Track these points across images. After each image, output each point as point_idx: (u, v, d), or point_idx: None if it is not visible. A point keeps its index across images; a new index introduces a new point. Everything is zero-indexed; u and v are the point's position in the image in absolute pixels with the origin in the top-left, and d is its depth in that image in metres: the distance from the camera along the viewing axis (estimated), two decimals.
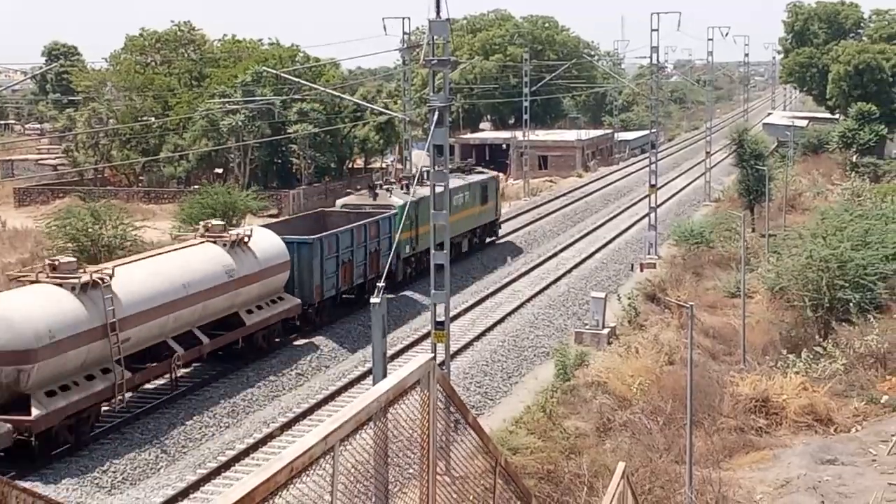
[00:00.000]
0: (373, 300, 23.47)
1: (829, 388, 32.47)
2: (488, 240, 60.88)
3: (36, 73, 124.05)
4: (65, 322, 28.05)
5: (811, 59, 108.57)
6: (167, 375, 33.26)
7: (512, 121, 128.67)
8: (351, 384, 35.43)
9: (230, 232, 37.53)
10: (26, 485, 20.66)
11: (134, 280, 31.28)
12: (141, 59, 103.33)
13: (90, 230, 51.64)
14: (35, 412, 26.81)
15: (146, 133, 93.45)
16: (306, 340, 40.54)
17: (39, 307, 27.78)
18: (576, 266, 55.44)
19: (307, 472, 5.57)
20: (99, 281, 29.42)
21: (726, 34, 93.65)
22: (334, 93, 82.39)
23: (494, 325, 43.21)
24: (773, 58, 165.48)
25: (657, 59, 63.43)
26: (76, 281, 28.95)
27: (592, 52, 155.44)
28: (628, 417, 30.59)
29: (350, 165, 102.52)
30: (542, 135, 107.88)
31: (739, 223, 45.41)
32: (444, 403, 8.05)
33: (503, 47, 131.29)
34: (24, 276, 30.19)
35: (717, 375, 34.03)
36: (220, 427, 31.75)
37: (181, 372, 34.26)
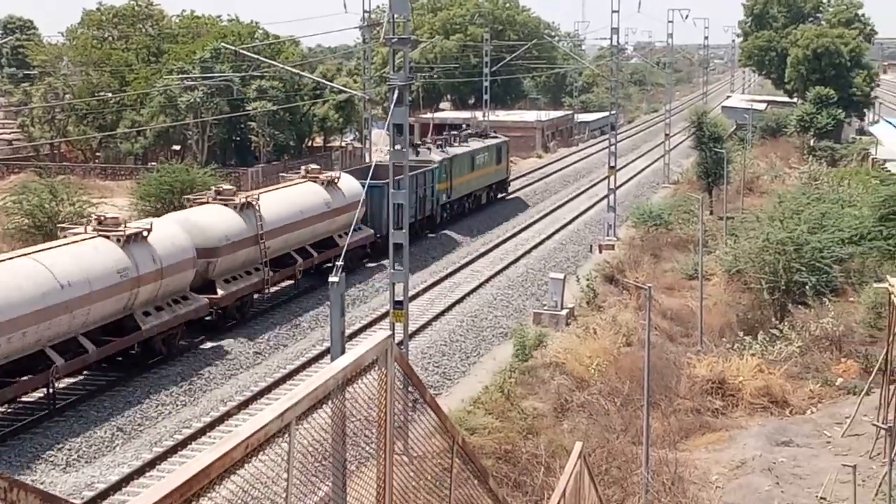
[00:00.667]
0: (331, 279, 23.36)
1: (784, 370, 32.69)
2: (500, 195, 70.65)
3: None
4: (235, 230, 38.44)
5: (770, 42, 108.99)
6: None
7: (472, 101, 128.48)
8: (309, 363, 35.34)
9: (325, 174, 47.48)
10: None
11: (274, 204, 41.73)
12: (98, 34, 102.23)
13: (46, 206, 51.07)
14: (220, 292, 37.53)
15: (103, 109, 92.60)
16: (266, 319, 40.42)
17: (217, 219, 38.12)
18: (535, 247, 55.51)
19: (263, 450, 5.48)
20: (252, 203, 39.73)
21: (686, 16, 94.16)
22: (294, 70, 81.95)
23: (453, 304, 43.20)
24: (733, 41, 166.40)
25: (617, 41, 63.56)
26: (237, 202, 39.29)
27: (553, 33, 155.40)
28: (586, 398, 30.68)
29: (309, 144, 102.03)
30: (501, 115, 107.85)
31: (697, 206, 45.56)
32: (401, 382, 7.99)
33: (464, 27, 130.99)
34: (198, 199, 40.50)
35: (675, 357, 34.19)
36: (177, 405, 31.58)
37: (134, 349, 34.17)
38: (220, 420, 30.11)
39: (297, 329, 39.76)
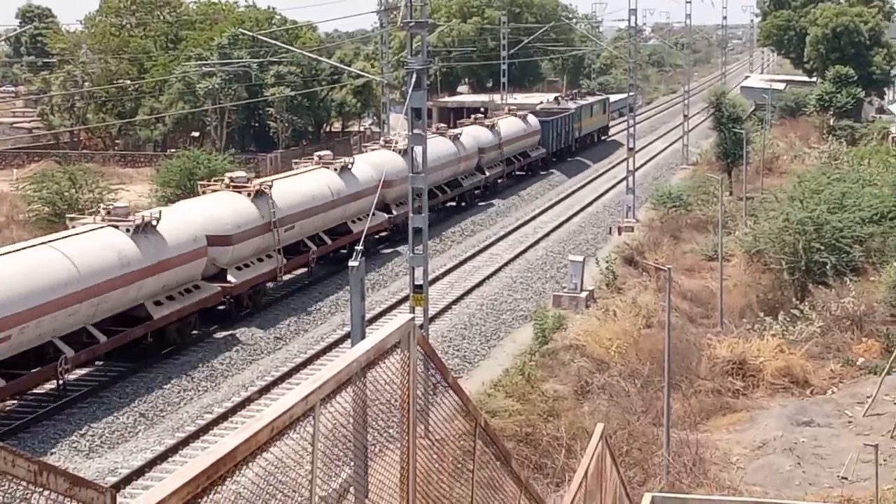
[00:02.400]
0: (351, 263, 23.43)
1: (805, 350, 32.65)
2: (603, 137, 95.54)
3: (10, 36, 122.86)
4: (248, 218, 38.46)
5: (789, 21, 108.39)
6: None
7: (490, 84, 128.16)
8: (329, 348, 35.44)
9: (339, 160, 47.52)
10: None
11: (287, 191, 41.82)
12: (116, 22, 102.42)
13: (66, 194, 51.26)
14: (233, 280, 37.34)
15: (122, 96, 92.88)
16: (281, 307, 40.54)
17: (230, 207, 38.19)
18: (554, 230, 55.51)
19: (288, 433, 5.54)
20: (265, 190, 39.59)
21: None
22: (311, 55, 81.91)
23: (473, 288, 43.27)
24: (751, 21, 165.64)
25: (635, 22, 63.33)
26: (250, 189, 39.22)
27: (570, 15, 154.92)
28: (606, 380, 30.71)
29: (327, 129, 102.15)
30: (520, 98, 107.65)
31: (717, 186, 45.44)
32: (423, 365, 8.03)
33: (481, 10, 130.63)
34: (210, 186, 40.34)
35: (695, 338, 34.16)
36: (199, 391, 31.73)
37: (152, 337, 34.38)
38: (242, 405, 30.24)
39: (318, 314, 39.88)
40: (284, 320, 38.72)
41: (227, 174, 41.80)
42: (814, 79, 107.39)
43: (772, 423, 27.70)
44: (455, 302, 41.17)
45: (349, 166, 47.16)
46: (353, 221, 46.50)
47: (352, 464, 6.88)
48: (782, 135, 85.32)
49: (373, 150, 54.04)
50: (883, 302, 36.14)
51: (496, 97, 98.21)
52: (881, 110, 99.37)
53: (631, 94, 65.25)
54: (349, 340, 27.98)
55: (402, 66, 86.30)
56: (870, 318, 35.21)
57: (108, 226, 32.46)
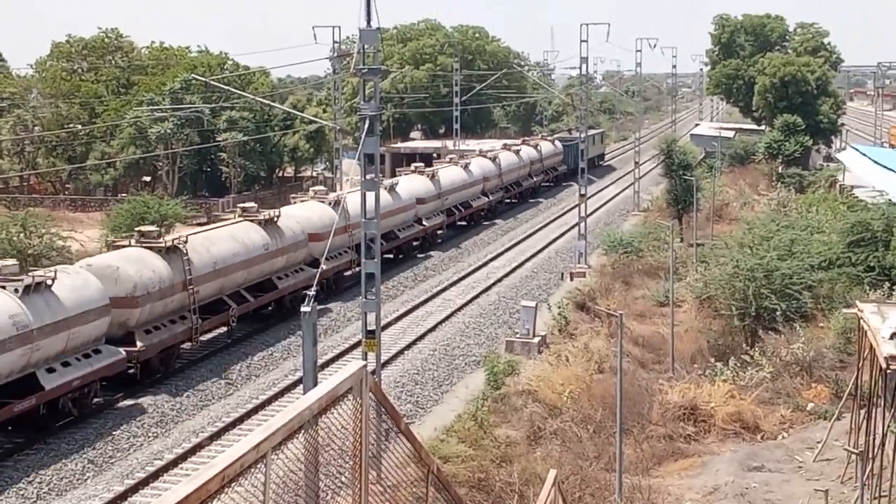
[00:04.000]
0: (303, 309, 23.36)
1: (755, 395, 32.80)
2: (600, 162, 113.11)
3: None
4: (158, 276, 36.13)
5: (737, 70, 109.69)
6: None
7: (442, 130, 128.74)
8: (281, 393, 35.24)
9: (264, 213, 45.10)
10: None
11: (205, 246, 39.91)
12: (67, 66, 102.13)
13: (15, 240, 50.68)
14: (140, 344, 34.80)
15: (73, 141, 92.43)
16: (237, 349, 40.34)
17: (138, 264, 35.88)
18: (506, 275, 55.60)
19: (239, 481, 5.51)
20: (179, 246, 37.51)
21: (654, 46, 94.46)
22: (264, 101, 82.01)
23: (425, 333, 43.22)
24: (701, 69, 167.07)
25: (586, 70, 63.82)
26: (162, 245, 36.96)
27: (522, 63, 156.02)
28: (559, 425, 30.68)
29: (280, 174, 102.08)
30: (472, 144, 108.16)
31: (668, 233, 45.70)
32: (376, 411, 8.01)
33: (433, 57, 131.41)
34: (119, 242, 39.54)
35: (647, 383, 34.24)
36: (149, 437, 31.44)
37: (105, 381, 33.99)
38: (193, 451, 29.97)
39: (270, 359, 39.68)
40: (235, 364, 38.49)
41: (138, 228, 39.35)
42: (762, 127, 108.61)
43: (723, 469, 27.77)
44: (408, 347, 41.10)
45: (275, 219, 44.96)
46: (279, 278, 44.72)
47: None
48: (732, 182, 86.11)
49: (301, 201, 51.70)
50: (832, 348, 36.40)
51: (448, 143, 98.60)
52: (828, 158, 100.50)
53: (582, 140, 65.65)
54: (301, 386, 27.83)
55: (355, 111, 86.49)
56: (819, 363, 35.44)
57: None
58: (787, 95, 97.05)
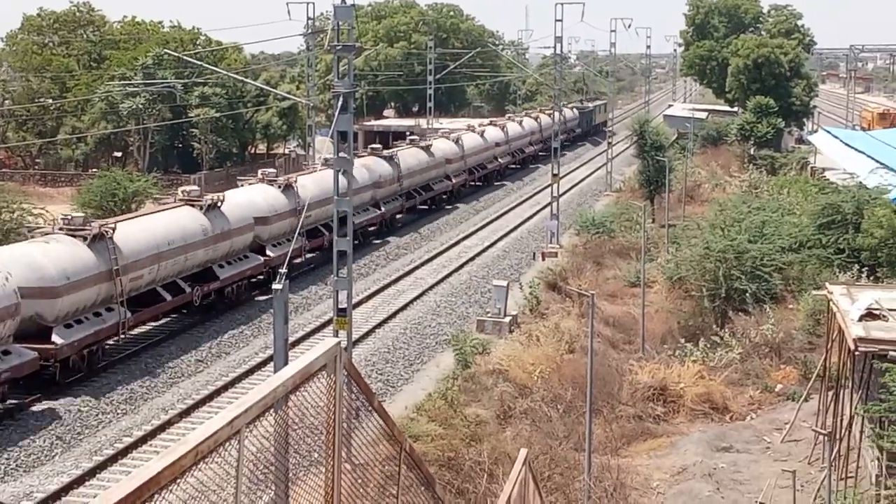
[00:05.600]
0: (275, 286, 23.30)
1: (725, 376, 32.99)
2: (603, 128, 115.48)
3: None
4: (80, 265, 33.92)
5: (711, 52, 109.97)
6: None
7: (416, 108, 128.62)
8: (251, 371, 35.19)
9: (207, 197, 43.08)
10: None
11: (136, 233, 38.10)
12: (38, 40, 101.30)
13: None
14: (58, 341, 32.34)
15: (43, 115, 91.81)
16: (207, 325, 40.27)
17: (59, 254, 33.55)
18: (478, 254, 55.65)
19: (212, 457, 5.49)
20: (105, 233, 35.30)
21: (629, 26, 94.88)
22: (237, 77, 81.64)
23: (396, 312, 43.23)
24: (675, 50, 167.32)
25: (560, 50, 63.86)
26: (86, 233, 34.79)
27: (497, 42, 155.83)
28: (529, 405, 30.76)
29: (252, 151, 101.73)
30: (445, 123, 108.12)
31: (640, 214, 45.82)
32: (348, 389, 8.01)
33: (408, 35, 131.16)
34: (42, 229, 37.43)
35: (617, 364, 34.38)
36: (118, 414, 31.35)
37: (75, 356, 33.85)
38: (162, 428, 29.92)
39: (240, 336, 39.62)
40: (205, 343, 38.42)
41: (62, 215, 36.95)
42: (735, 109, 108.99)
43: (692, 449, 27.93)
44: (379, 326, 41.11)
45: (218, 204, 42.73)
46: (221, 266, 42.47)
47: (275, 488, 6.83)
48: (704, 163, 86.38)
49: (249, 184, 49.52)
50: (801, 329, 36.63)
51: (422, 121, 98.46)
52: (800, 140, 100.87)
53: (556, 120, 65.64)
54: (272, 363, 27.81)
55: (329, 89, 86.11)
56: (788, 345, 35.67)
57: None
58: (760, 77, 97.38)
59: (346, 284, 28.97)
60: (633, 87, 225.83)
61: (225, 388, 33.47)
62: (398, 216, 64.44)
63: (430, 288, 47.58)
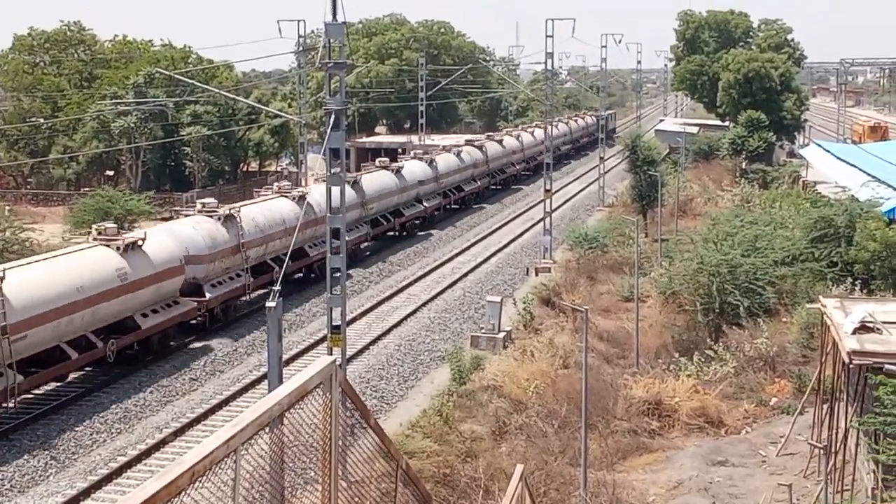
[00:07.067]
0: (268, 304, 23.27)
1: (719, 390, 32.95)
2: (613, 135, 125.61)
3: None
4: None
5: (702, 66, 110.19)
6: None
7: (408, 125, 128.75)
8: (246, 389, 35.11)
9: (125, 236, 37.84)
10: None
11: (33, 281, 31.58)
12: (29, 59, 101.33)
13: None
14: None
15: (35, 134, 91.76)
16: (201, 343, 40.18)
17: None
18: (471, 270, 55.62)
19: (208, 476, 5.47)
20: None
21: (619, 41, 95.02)
22: (228, 95, 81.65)
23: (391, 329, 43.19)
24: (665, 65, 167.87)
25: (551, 65, 63.95)
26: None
27: (488, 58, 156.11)
28: (524, 421, 30.72)
29: (244, 168, 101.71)
30: (437, 139, 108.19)
31: (633, 228, 45.82)
32: (345, 406, 7.99)
33: (399, 51, 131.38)
34: None
35: (611, 378, 34.33)
36: (112, 433, 31.26)
37: (71, 376, 33.75)
38: (156, 447, 29.82)
39: (235, 354, 39.53)
40: (200, 360, 38.35)
41: None
42: (726, 123, 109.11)
43: (687, 463, 27.89)
44: (373, 342, 41.06)
45: (139, 242, 37.59)
46: (145, 315, 37.37)
47: None
48: (696, 177, 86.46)
49: (186, 215, 44.34)
50: (795, 343, 36.61)
51: (414, 138, 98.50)
52: (792, 154, 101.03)
53: (548, 135, 65.68)
54: (266, 382, 27.75)
55: (320, 106, 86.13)
56: (782, 358, 35.64)
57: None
58: (751, 91, 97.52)
59: (340, 301, 28.94)
60: (624, 102, 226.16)
61: (219, 406, 33.39)
62: (363, 245, 60.00)
63: (424, 304, 47.54)
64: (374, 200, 60.55)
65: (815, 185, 65.04)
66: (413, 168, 69.08)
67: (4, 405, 30.44)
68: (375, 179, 62.21)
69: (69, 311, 33.01)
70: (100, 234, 37.36)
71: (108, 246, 36.47)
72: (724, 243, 43.83)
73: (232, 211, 44.68)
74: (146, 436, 30.92)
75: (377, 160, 68.66)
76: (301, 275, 51.13)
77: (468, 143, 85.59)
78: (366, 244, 60.77)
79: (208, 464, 5.32)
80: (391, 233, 65.15)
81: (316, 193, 51.20)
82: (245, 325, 43.35)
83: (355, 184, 57.65)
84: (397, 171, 65.99)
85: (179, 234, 40.84)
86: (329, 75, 28.59)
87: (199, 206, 45.12)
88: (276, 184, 53.46)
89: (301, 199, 50.20)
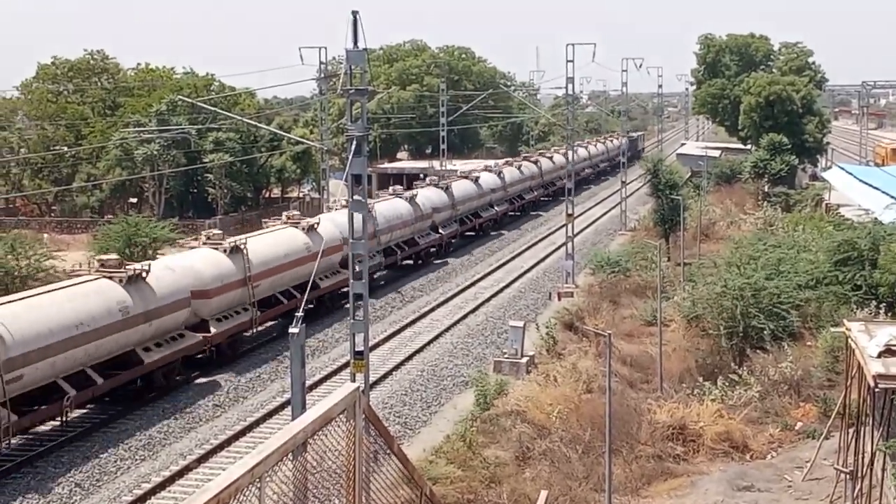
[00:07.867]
0: (291, 330, 23.28)
1: (744, 415, 32.79)
2: (641, 154, 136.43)
3: None
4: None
5: (723, 90, 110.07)
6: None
7: (429, 150, 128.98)
8: (269, 415, 35.12)
9: (128, 267, 36.21)
10: None
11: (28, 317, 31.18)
12: (53, 88, 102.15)
13: (2, 262, 50.56)
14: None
15: (59, 162, 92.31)
16: (223, 373, 40.21)
17: None
18: (494, 295, 55.57)
19: None
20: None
21: (640, 66, 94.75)
22: (250, 122, 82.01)
23: (413, 354, 43.16)
24: (686, 89, 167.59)
25: (572, 90, 63.99)
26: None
27: (508, 83, 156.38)
28: (547, 446, 30.63)
29: (267, 195, 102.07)
30: (458, 165, 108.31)
31: (655, 252, 45.73)
32: (368, 432, 7.98)
33: (420, 77, 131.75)
34: None
35: (635, 403, 34.21)
36: (136, 460, 31.30)
37: (89, 406, 33.80)
38: (180, 474, 29.84)
39: (258, 380, 39.56)
40: (223, 387, 38.38)
41: None
42: (748, 146, 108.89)
43: (712, 488, 27.73)
44: (396, 368, 41.04)
45: (142, 274, 36.23)
46: (147, 349, 36.26)
47: None
48: (718, 201, 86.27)
49: (190, 247, 43.51)
50: (819, 367, 36.42)
51: (435, 163, 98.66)
52: (814, 177, 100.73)
53: (569, 160, 65.67)
54: (289, 407, 27.75)
55: (342, 132, 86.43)
56: (807, 382, 35.46)
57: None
58: (773, 114, 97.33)
59: (363, 327, 28.96)
60: (645, 125, 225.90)
61: (243, 432, 33.39)
62: (376, 275, 57.78)
63: (447, 329, 47.51)
64: (387, 231, 58.76)
65: (839, 208, 64.80)
66: (428, 195, 67.97)
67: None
68: (388, 207, 60.78)
69: (65, 349, 31.82)
70: (102, 265, 36.26)
71: (110, 278, 35.40)
72: (748, 267, 43.68)
73: (238, 243, 43.19)
74: (170, 462, 30.95)
75: (390, 188, 67.96)
76: (312, 306, 48.77)
77: (486, 168, 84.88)
78: (379, 273, 59.09)
79: (233, 491, 5.32)
80: (406, 261, 63.81)
81: (326, 223, 50.63)
82: (268, 350, 43.36)
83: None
84: (411, 199, 64.72)
85: (184, 268, 39.58)
86: (350, 101, 28.67)
87: (203, 238, 43.78)
88: (284, 213, 51.69)
89: (311, 229, 49.42)
